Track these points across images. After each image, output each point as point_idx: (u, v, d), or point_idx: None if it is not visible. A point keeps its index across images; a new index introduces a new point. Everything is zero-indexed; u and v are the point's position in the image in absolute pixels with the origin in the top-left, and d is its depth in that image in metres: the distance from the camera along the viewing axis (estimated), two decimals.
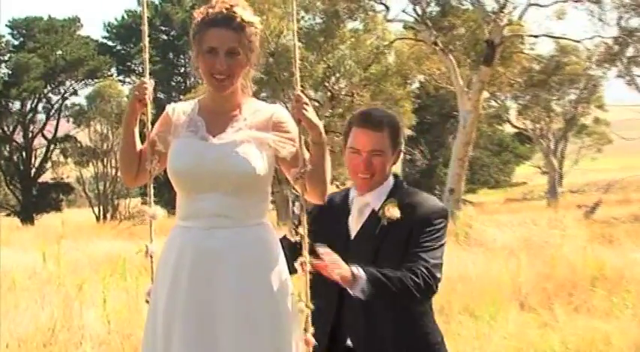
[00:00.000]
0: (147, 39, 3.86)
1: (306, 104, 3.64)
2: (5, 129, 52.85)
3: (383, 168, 4.06)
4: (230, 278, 3.58)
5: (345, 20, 34.95)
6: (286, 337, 3.63)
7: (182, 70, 55.97)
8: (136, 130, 3.75)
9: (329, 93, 36.92)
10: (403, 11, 31.46)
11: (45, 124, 54.06)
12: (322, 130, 3.67)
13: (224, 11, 3.62)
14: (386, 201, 4.04)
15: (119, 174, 4.21)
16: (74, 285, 10.42)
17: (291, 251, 3.79)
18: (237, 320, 3.56)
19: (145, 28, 3.86)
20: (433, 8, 31.66)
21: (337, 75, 37.10)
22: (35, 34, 53.58)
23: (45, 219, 48.61)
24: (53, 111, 54.12)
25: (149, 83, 3.71)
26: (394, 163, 4.15)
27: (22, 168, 53.03)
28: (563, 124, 49.21)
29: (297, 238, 3.70)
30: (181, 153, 3.66)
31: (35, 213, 51.01)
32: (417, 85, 43.87)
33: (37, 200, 52.36)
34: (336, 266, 3.72)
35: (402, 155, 4.21)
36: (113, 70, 55.56)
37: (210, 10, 3.64)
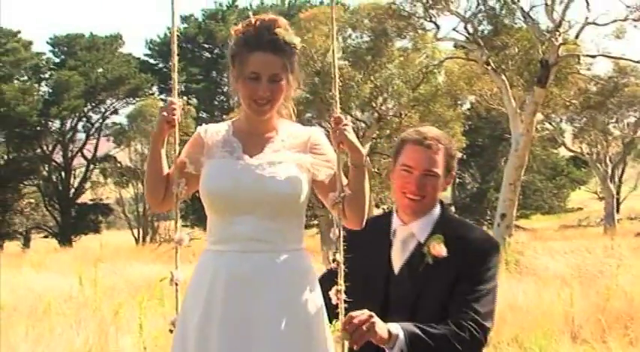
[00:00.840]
0: (176, 58, 3.75)
1: (347, 125, 3.56)
2: (44, 148, 52.50)
3: (434, 191, 3.89)
4: (266, 306, 3.49)
5: (393, 39, 34.73)
6: None
7: (225, 88, 55.18)
8: (164, 152, 3.66)
9: (376, 114, 36.74)
10: (454, 29, 30.62)
11: (85, 144, 53.59)
12: (364, 153, 3.59)
13: (267, 34, 3.55)
14: (431, 237, 3.82)
15: None
16: (110, 310, 10.70)
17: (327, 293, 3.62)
18: (272, 348, 3.45)
19: (175, 47, 3.76)
20: (485, 27, 31.05)
21: (385, 95, 36.98)
22: (76, 51, 53.33)
23: (83, 241, 48.64)
24: (93, 130, 53.80)
25: (178, 104, 3.64)
26: (444, 190, 3.97)
27: (60, 188, 52.58)
28: (621, 148, 48.29)
29: (334, 265, 3.60)
30: (217, 174, 3.57)
31: (73, 234, 50.56)
32: (467, 106, 43.30)
33: (75, 221, 51.82)
34: (371, 329, 3.54)
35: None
36: (155, 89, 54.89)
37: (251, 31, 3.57)
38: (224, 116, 41.91)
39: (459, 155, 43.35)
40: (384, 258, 3.90)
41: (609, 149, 47.36)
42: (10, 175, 50.50)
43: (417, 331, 3.63)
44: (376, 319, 3.60)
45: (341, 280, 3.61)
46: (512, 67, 30.83)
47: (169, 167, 3.69)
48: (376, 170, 33.04)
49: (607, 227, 41.39)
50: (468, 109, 44.64)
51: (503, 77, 29.00)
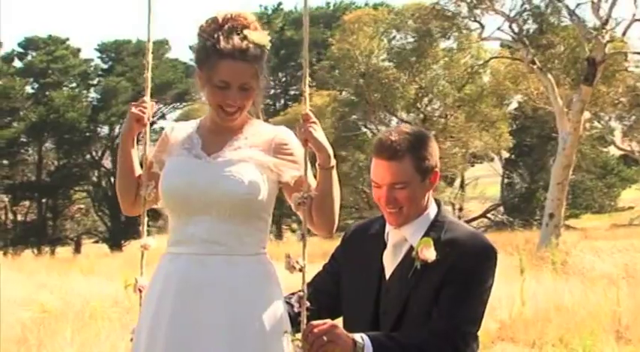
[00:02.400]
0: (150, 56, 3.72)
1: (315, 123, 3.39)
2: (94, 154, 53.10)
3: (410, 200, 3.60)
4: (217, 315, 3.33)
5: (437, 39, 34.81)
6: None
7: (272, 91, 55.26)
8: (134, 152, 3.58)
9: (421, 115, 36.65)
10: (499, 29, 30.18)
11: None
12: (331, 153, 3.40)
13: (236, 38, 3.41)
14: (420, 241, 3.56)
15: None
16: None
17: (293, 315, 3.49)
18: None
19: (150, 45, 3.73)
20: (530, 26, 30.80)
21: (430, 96, 36.85)
22: (124, 57, 53.91)
23: (133, 246, 48.36)
24: (141, 135, 53.57)
25: (149, 103, 3.57)
26: (430, 189, 3.66)
27: (110, 193, 52.78)
28: None
29: (297, 271, 3.39)
30: (172, 172, 3.46)
31: (123, 239, 50.91)
32: (514, 105, 42.92)
33: (125, 226, 51.94)
34: (333, 340, 3.33)
35: (437, 175, 3.69)
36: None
37: (219, 34, 3.41)
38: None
39: (505, 155, 43.01)
40: (377, 263, 3.70)
41: None
42: (60, 181, 51.08)
43: (386, 341, 3.43)
44: (339, 329, 3.40)
45: (304, 286, 3.43)
46: (559, 66, 30.64)
47: (145, 163, 3.61)
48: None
49: None
50: (515, 109, 44.34)
51: (550, 76, 28.69)
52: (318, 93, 36.00)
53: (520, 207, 50.05)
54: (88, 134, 51.93)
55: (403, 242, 3.66)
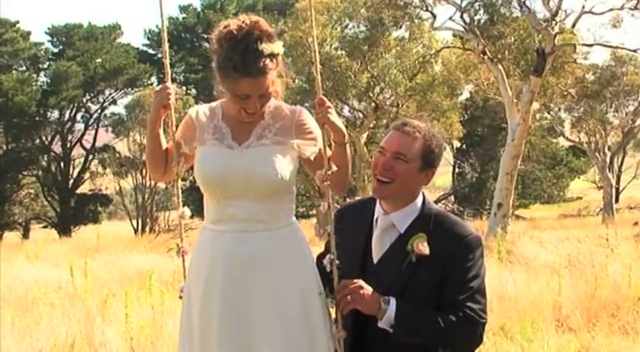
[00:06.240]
0: (167, 44, 3.98)
1: (330, 107, 3.76)
2: (43, 138, 52.33)
3: (403, 177, 3.87)
4: (265, 285, 3.72)
5: (390, 28, 34.85)
6: (319, 335, 3.76)
7: None
8: (161, 131, 3.87)
9: (373, 104, 36.65)
10: (450, 19, 30.30)
11: (83, 134, 53.41)
12: (345, 132, 3.79)
13: (251, 56, 3.67)
14: (414, 237, 3.83)
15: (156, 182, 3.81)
16: (99, 301, 10.80)
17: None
18: (271, 320, 3.68)
19: (165, 35, 3.95)
20: (481, 16, 31.11)
21: (382, 85, 36.87)
22: (75, 41, 53.11)
23: (82, 232, 48.30)
24: (92, 120, 53.57)
25: (172, 88, 3.84)
26: (422, 182, 3.96)
27: (59, 178, 52.40)
28: (620, 137, 47.78)
29: (325, 236, 3.88)
30: (209, 162, 3.78)
31: (73, 225, 50.46)
32: (466, 95, 43.09)
33: (74, 212, 51.67)
34: (356, 300, 3.73)
35: (434, 175, 4.02)
36: (153, 79, 54.33)
37: (236, 51, 3.67)
38: None
39: (457, 144, 43.23)
40: (364, 245, 3.96)
41: (608, 138, 47.02)
42: (9, 166, 50.41)
43: (412, 309, 3.73)
44: (365, 289, 3.75)
45: (333, 249, 3.83)
46: (509, 57, 30.86)
47: (167, 143, 3.93)
48: (371, 159, 33.11)
49: (605, 216, 41.28)
50: (466, 99, 44.50)
51: (500, 66, 28.97)
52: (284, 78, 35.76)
53: (471, 196, 50.35)
54: (37, 118, 51.15)
55: (391, 227, 3.93)
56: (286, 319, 3.70)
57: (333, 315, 3.84)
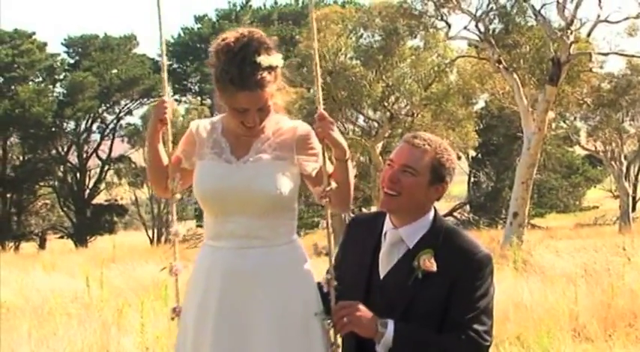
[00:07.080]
0: (165, 57, 3.99)
1: (331, 123, 3.68)
2: (59, 149, 52.67)
3: (411, 190, 3.77)
4: (261, 298, 3.62)
5: (404, 38, 34.77)
6: None
7: None
8: (160, 146, 3.81)
9: (388, 114, 36.64)
10: (465, 28, 30.41)
11: (99, 145, 53.76)
12: (346, 148, 3.71)
13: (249, 69, 3.60)
14: (421, 252, 3.72)
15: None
16: (115, 310, 10.77)
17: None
18: (270, 336, 3.60)
19: (164, 47, 3.98)
20: (496, 25, 31.00)
21: (397, 94, 36.84)
22: (91, 52, 53.40)
23: (98, 242, 48.43)
24: (108, 131, 53.79)
25: (169, 102, 3.81)
26: (432, 198, 3.84)
27: (75, 189, 52.61)
28: (637, 146, 47.55)
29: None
30: (207, 176, 3.71)
31: (89, 235, 50.65)
32: (481, 104, 43.06)
33: (90, 222, 51.81)
34: (352, 322, 3.65)
35: (445, 189, 3.88)
36: (169, 89, 54.50)
37: (233, 64, 3.61)
38: None
39: (472, 153, 43.15)
40: (371, 259, 3.86)
41: (624, 147, 46.77)
42: (25, 176, 50.67)
43: (412, 333, 3.64)
44: (362, 311, 3.66)
45: (331, 268, 3.74)
46: (524, 66, 30.75)
47: (169, 158, 3.87)
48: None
49: (622, 225, 40.83)
50: (482, 108, 44.42)
51: (515, 76, 28.96)
52: (285, 91, 35.88)
53: (486, 205, 50.27)
54: (53, 129, 51.49)
55: (400, 242, 3.82)
56: (286, 340, 3.62)
57: (332, 337, 3.75)
